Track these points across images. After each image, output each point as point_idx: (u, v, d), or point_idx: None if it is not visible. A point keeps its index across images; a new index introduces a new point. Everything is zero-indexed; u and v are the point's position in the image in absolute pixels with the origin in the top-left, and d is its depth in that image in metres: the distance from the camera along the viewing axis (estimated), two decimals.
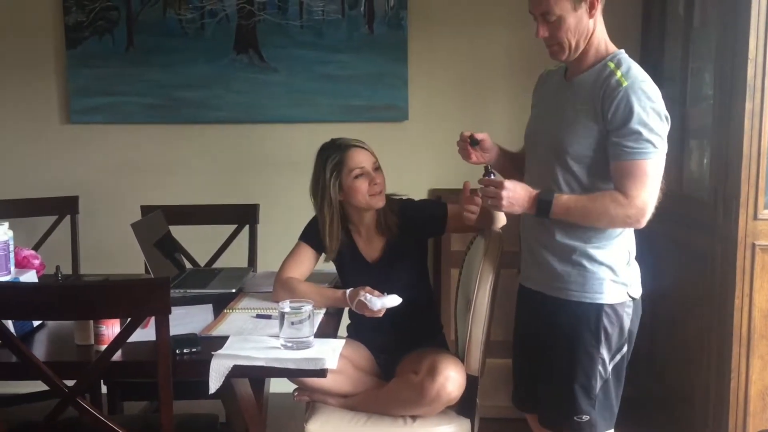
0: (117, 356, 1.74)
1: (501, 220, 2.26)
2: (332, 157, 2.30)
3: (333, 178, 2.28)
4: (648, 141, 1.75)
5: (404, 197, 2.40)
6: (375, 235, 2.36)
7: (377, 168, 2.31)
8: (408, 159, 3.35)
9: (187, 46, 3.36)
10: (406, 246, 2.35)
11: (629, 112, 1.75)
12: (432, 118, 3.41)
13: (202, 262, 3.00)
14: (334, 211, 2.30)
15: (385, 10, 3.32)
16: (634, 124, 1.75)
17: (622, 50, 1.89)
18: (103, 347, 1.79)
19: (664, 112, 1.80)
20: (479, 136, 2.06)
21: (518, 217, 2.00)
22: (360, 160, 2.29)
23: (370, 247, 2.37)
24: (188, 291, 2.43)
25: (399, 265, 2.34)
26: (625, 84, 1.77)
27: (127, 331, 1.70)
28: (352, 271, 2.36)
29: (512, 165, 2.11)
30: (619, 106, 1.76)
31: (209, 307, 2.26)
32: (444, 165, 3.37)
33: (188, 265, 2.90)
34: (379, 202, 2.30)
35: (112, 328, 1.84)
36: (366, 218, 2.35)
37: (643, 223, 1.82)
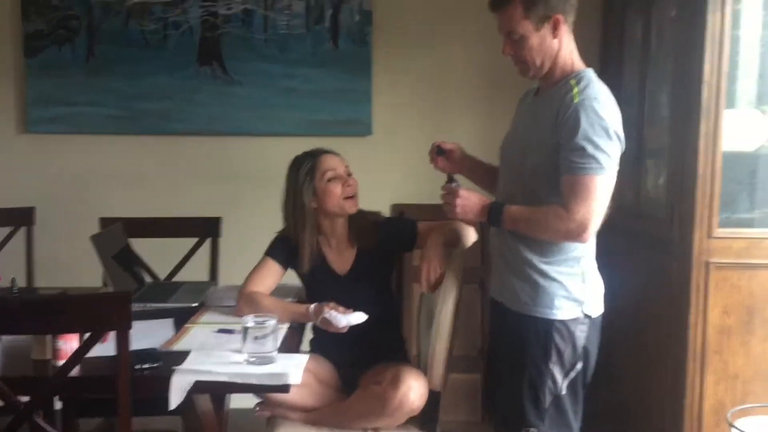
0: (75, 371, 1.71)
1: (470, 238, 2.28)
2: (305, 164, 2.33)
3: (306, 183, 2.30)
4: (592, 157, 1.77)
5: (374, 212, 2.43)
6: (346, 247, 2.37)
7: (350, 174, 2.34)
8: (371, 173, 3.34)
9: (150, 57, 3.33)
10: (376, 260, 2.36)
11: (576, 127, 1.77)
12: (395, 132, 3.43)
13: (162, 276, 2.96)
14: (307, 218, 2.31)
15: (349, 25, 3.34)
16: (580, 140, 1.77)
17: (589, 69, 1.92)
18: (61, 362, 1.74)
19: (615, 130, 1.81)
20: (447, 146, 2.14)
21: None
22: (332, 164, 2.32)
23: (341, 259, 2.37)
24: (149, 305, 2.39)
25: (368, 278, 2.35)
26: (576, 100, 1.80)
27: (86, 346, 1.67)
28: (321, 283, 2.36)
29: (489, 178, 2.15)
30: (568, 121, 1.79)
31: (170, 321, 2.23)
32: (407, 180, 3.40)
33: (148, 279, 2.86)
34: (353, 207, 2.32)
35: (70, 343, 1.80)
36: (338, 227, 2.36)
37: (586, 238, 1.83)
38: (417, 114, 3.43)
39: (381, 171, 3.39)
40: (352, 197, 2.32)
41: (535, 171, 1.88)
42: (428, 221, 2.35)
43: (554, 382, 1.91)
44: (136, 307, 2.28)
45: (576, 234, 1.81)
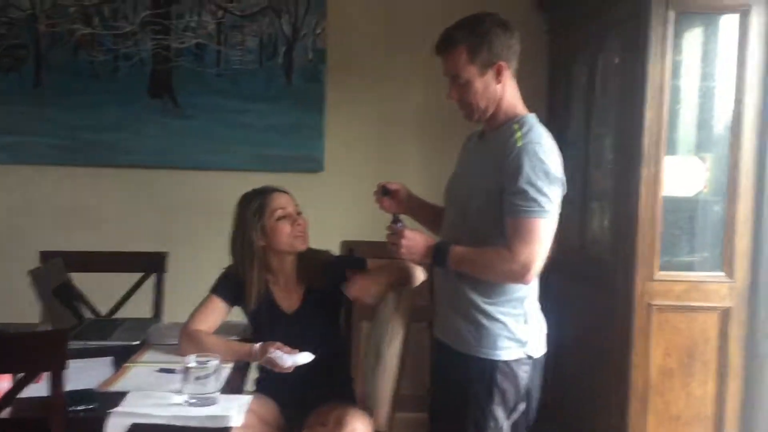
0: (5, 413, 1.64)
1: (418, 278, 2.29)
2: (254, 202, 2.31)
3: (255, 221, 2.28)
4: (534, 200, 1.80)
5: (328, 251, 2.42)
6: (294, 286, 2.35)
7: (299, 213, 2.33)
8: (322, 210, 3.34)
9: (99, 88, 3.29)
10: (324, 299, 2.34)
11: (518, 170, 1.81)
12: (347, 169, 3.45)
13: (105, 312, 2.88)
14: (255, 256, 2.29)
15: (303, 62, 3.37)
16: (522, 183, 1.80)
17: (532, 114, 1.96)
18: None
19: (557, 174, 1.84)
20: (392, 186, 2.15)
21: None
22: (282, 202, 2.31)
23: (288, 298, 2.35)
24: (88, 343, 2.32)
25: (315, 317, 2.33)
26: (519, 144, 1.83)
27: (18, 387, 1.61)
28: (267, 322, 2.33)
29: (434, 218, 2.17)
30: (511, 164, 1.82)
31: (109, 360, 2.17)
32: (357, 217, 3.39)
33: (89, 315, 2.78)
34: (302, 245, 2.30)
35: (2, 383, 1.73)
36: (287, 266, 2.34)
37: (529, 279, 1.85)
38: (368, 151, 3.46)
39: (332, 207, 3.39)
40: (301, 235, 2.31)
41: (480, 212, 1.90)
42: (378, 260, 2.35)
43: (497, 422, 1.91)
44: (74, 344, 2.22)
45: (519, 275, 1.84)
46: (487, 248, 1.87)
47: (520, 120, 1.92)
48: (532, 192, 1.80)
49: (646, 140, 2.49)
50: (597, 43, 2.99)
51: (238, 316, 2.41)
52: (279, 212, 2.28)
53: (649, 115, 2.49)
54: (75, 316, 2.57)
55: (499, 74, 1.90)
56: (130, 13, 3.29)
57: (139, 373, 2.06)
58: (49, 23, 3.24)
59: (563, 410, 3.07)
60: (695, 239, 2.67)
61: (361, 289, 2.23)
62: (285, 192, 2.36)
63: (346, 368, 2.50)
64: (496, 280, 1.89)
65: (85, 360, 2.14)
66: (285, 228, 2.28)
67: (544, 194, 1.81)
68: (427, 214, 2.20)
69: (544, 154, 1.83)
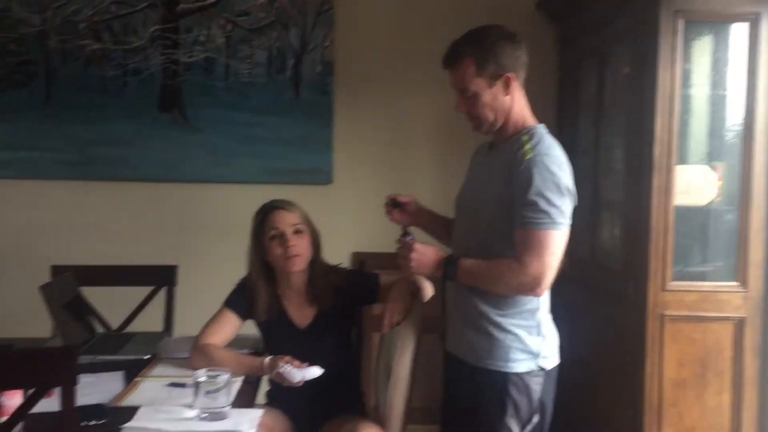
0: (17, 429, 1.64)
1: (429, 292, 2.27)
2: (257, 218, 2.32)
3: (257, 237, 2.29)
4: (544, 212, 1.79)
5: (340, 264, 2.41)
6: (306, 302, 2.33)
7: (297, 231, 2.29)
8: (331, 222, 3.33)
9: (109, 103, 3.31)
10: (336, 315, 2.33)
11: (528, 182, 1.80)
12: (356, 181, 3.45)
13: (115, 326, 2.89)
14: (263, 270, 2.30)
15: (311, 75, 3.38)
16: (532, 195, 1.79)
17: (541, 125, 1.96)
18: (4, 419, 1.67)
19: (567, 185, 1.83)
20: (403, 198, 2.15)
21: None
22: (276, 221, 2.28)
23: (301, 313, 2.34)
24: (98, 357, 2.32)
25: (328, 334, 2.32)
26: (529, 156, 1.83)
27: (29, 403, 1.60)
28: (280, 337, 2.32)
29: (444, 230, 2.16)
30: (521, 176, 1.82)
31: (120, 374, 2.16)
32: (367, 228, 3.40)
33: (100, 329, 2.78)
34: (295, 266, 2.27)
35: (13, 399, 1.74)
36: (294, 283, 2.32)
37: (540, 292, 1.84)
38: (377, 163, 3.46)
39: (342, 220, 3.39)
40: (292, 257, 2.26)
41: (490, 225, 1.89)
42: (390, 271, 2.34)
43: None
44: (84, 359, 2.23)
45: (530, 288, 1.83)
46: (497, 261, 1.86)
47: (530, 131, 1.92)
48: (542, 204, 1.79)
49: (657, 149, 2.48)
50: (606, 53, 2.98)
51: (250, 329, 2.41)
52: (272, 232, 2.27)
53: (659, 124, 2.48)
54: (86, 330, 2.57)
55: (507, 86, 1.90)
56: (139, 28, 3.31)
57: (150, 387, 2.06)
58: (60, 39, 3.27)
59: (576, 423, 3.05)
60: (708, 249, 2.65)
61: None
62: (285, 209, 2.30)
63: (357, 381, 2.48)
64: (507, 293, 1.88)
65: (96, 374, 2.14)
66: (276, 249, 2.26)
67: (555, 206, 1.80)
68: (438, 227, 2.20)
69: (555, 166, 1.83)
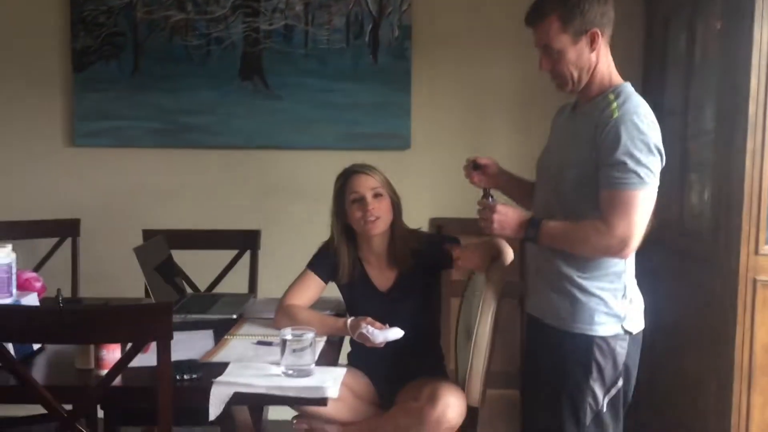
0: (117, 381, 1.73)
1: (510, 256, 2.26)
2: (338, 182, 2.37)
3: (338, 201, 2.33)
4: (633, 172, 1.75)
5: (419, 229, 2.42)
6: (387, 265, 2.36)
7: (377, 195, 2.31)
8: (409, 187, 3.34)
9: (193, 72, 3.38)
10: (417, 278, 2.35)
11: (616, 142, 1.76)
12: (434, 146, 3.43)
13: (202, 288, 3.00)
14: (343, 235, 2.34)
15: (389, 40, 3.36)
16: (620, 155, 1.75)
17: (627, 83, 1.90)
18: (104, 372, 1.78)
19: (656, 145, 1.79)
20: (482, 161, 2.14)
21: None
22: (357, 185, 2.31)
23: (382, 276, 2.37)
24: (189, 316, 2.43)
25: (409, 296, 2.35)
26: (616, 115, 1.78)
27: (128, 356, 1.69)
28: (362, 299, 2.36)
29: (525, 193, 2.14)
30: (608, 136, 1.77)
31: (210, 332, 2.25)
32: (445, 194, 3.39)
33: (189, 290, 2.90)
34: (374, 230, 2.30)
35: (113, 353, 1.84)
36: (375, 247, 2.36)
37: (627, 253, 1.81)
38: (455, 128, 3.43)
39: (420, 185, 3.39)
40: (372, 220, 2.29)
41: (574, 186, 1.86)
42: (468, 239, 2.34)
43: (595, 399, 1.88)
44: (176, 318, 2.33)
45: (617, 250, 1.79)
46: (582, 222, 1.83)
47: (616, 90, 1.86)
48: (631, 163, 1.75)
49: (752, 109, 2.36)
50: (696, 7, 2.84)
51: (333, 292, 2.46)
52: (353, 195, 2.30)
53: (754, 82, 2.35)
54: (176, 291, 2.68)
55: (593, 42, 1.85)
56: None
57: (238, 345, 2.14)
58: (146, 11, 3.36)
59: (660, 390, 2.99)
60: None
61: (466, 259, 2.20)
62: (365, 173, 2.33)
63: (437, 344, 2.51)
64: (593, 255, 1.84)
65: (187, 332, 2.23)
66: (356, 213, 2.29)
67: (643, 165, 1.76)
68: (518, 189, 2.17)
69: (643, 125, 1.78)
